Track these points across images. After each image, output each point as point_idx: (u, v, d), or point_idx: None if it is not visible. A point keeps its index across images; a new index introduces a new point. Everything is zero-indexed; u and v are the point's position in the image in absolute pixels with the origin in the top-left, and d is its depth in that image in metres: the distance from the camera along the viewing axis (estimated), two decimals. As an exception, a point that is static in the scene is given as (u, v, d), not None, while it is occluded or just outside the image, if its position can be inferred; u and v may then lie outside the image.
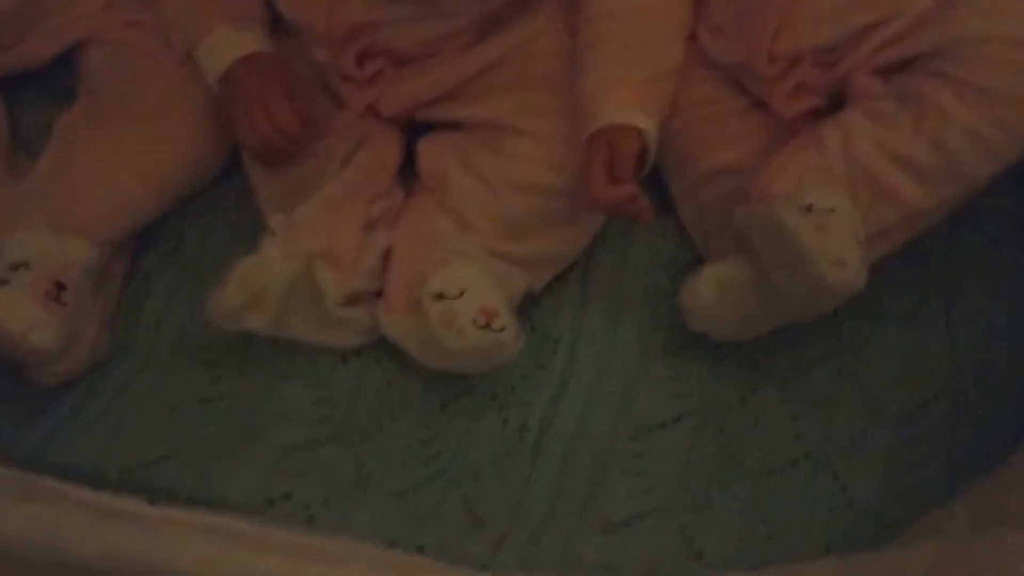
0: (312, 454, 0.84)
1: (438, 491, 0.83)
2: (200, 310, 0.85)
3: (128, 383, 0.87)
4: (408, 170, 0.93)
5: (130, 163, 0.88)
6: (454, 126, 0.92)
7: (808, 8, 0.83)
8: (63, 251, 0.84)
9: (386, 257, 0.89)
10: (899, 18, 0.82)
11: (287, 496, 0.81)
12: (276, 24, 0.90)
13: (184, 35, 0.88)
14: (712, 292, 0.83)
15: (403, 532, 0.79)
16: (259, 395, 0.87)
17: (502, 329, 0.81)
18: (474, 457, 0.85)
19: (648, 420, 0.86)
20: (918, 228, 0.85)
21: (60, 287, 0.82)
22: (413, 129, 0.94)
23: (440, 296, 0.83)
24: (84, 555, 0.57)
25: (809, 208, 0.77)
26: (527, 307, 0.90)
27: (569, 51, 0.87)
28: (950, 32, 0.81)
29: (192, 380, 0.87)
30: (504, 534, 0.81)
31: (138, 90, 0.90)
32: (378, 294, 0.89)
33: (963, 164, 0.80)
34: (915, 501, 0.81)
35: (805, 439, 0.85)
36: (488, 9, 0.88)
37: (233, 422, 0.85)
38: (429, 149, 0.92)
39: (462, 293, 0.82)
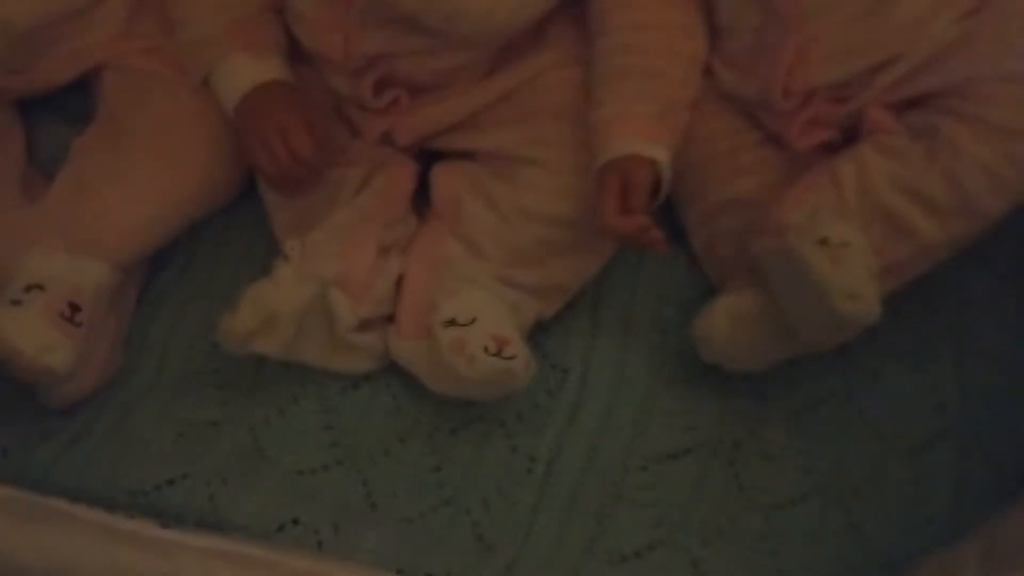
0: (321, 479, 0.84)
1: (446, 517, 0.83)
2: (209, 332, 0.85)
3: (135, 405, 0.87)
4: (421, 198, 0.93)
5: (146, 186, 0.88)
6: (468, 155, 0.92)
7: (821, 46, 0.84)
8: (78, 272, 0.84)
9: (398, 283, 0.89)
10: (911, 57, 0.82)
11: (296, 521, 0.81)
12: (293, 52, 0.90)
13: (200, 61, 0.88)
14: (725, 323, 0.83)
15: (411, 558, 0.79)
16: (268, 419, 0.86)
17: (513, 357, 0.81)
18: (482, 484, 0.84)
19: (658, 451, 0.86)
20: (929, 263, 0.84)
21: (74, 308, 0.82)
22: (427, 157, 0.94)
23: (451, 323, 0.83)
24: (96, 577, 0.57)
25: (824, 241, 0.77)
26: (537, 335, 0.90)
27: (581, 83, 0.88)
28: (962, 71, 0.81)
29: (201, 402, 0.87)
30: (512, 562, 0.80)
31: (155, 114, 0.90)
32: (390, 319, 0.89)
33: (976, 200, 0.80)
34: (924, 538, 0.81)
35: (815, 473, 0.85)
36: (502, 42, 0.88)
37: (242, 446, 0.85)
38: (443, 177, 0.92)
39: (473, 320, 0.82)
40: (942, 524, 0.82)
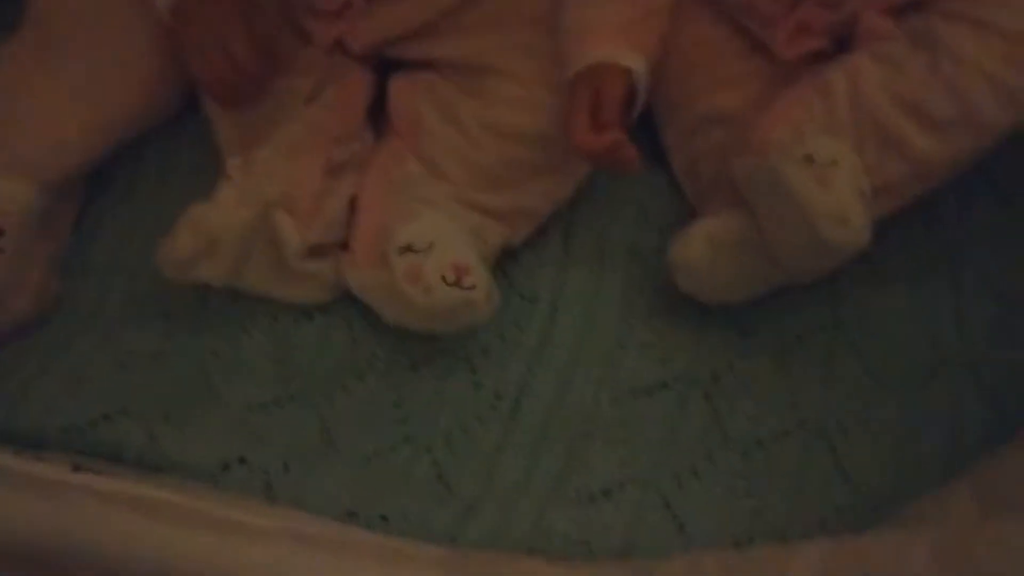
0: (271, 415, 0.80)
1: (405, 457, 0.79)
2: (153, 258, 0.80)
3: (73, 335, 0.83)
4: (380, 113, 0.88)
5: (76, 100, 0.83)
6: (430, 65, 0.87)
7: (813, -60, 0.78)
8: (1, 194, 0.79)
9: (352, 206, 0.84)
10: (912, -47, 0.77)
11: (243, 460, 0.77)
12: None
13: (132, -42, 0.82)
14: (703, 249, 0.79)
15: (366, 500, 0.76)
16: (216, 351, 0.82)
17: (473, 286, 0.77)
18: (444, 422, 0.81)
19: (632, 385, 0.82)
20: (928, 184, 0.80)
21: (-3, 232, 0.78)
22: (386, 68, 0.89)
23: (407, 249, 0.78)
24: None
25: (810, 159, 0.73)
26: (504, 263, 0.86)
27: (555, -15, 0.82)
28: (969, -31, 0.76)
29: (143, 333, 0.83)
30: (473, 504, 0.77)
31: (87, 21, 0.84)
32: (344, 246, 0.84)
33: (980, 112, 0.75)
34: (917, 477, 0.78)
35: (799, 408, 0.81)
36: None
37: (187, 379, 0.81)
38: (401, 89, 0.86)
39: (430, 246, 0.78)
40: (934, 465, 0.79)
